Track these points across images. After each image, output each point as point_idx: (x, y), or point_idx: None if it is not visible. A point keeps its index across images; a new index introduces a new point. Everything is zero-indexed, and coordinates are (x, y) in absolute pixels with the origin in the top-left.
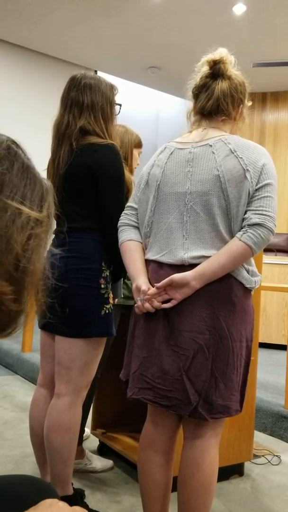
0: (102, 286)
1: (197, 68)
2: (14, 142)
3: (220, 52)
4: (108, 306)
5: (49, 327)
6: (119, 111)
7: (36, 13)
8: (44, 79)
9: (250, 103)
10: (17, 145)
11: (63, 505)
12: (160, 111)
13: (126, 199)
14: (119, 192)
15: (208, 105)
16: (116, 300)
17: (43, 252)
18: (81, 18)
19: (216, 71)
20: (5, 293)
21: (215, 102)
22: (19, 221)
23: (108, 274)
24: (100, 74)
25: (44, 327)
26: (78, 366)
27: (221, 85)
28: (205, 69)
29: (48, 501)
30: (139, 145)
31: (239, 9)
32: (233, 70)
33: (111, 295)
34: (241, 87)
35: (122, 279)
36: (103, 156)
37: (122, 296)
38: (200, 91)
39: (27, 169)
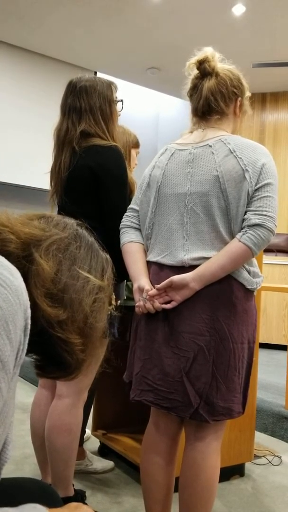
0: None
1: (186, 73)
2: (79, 224)
3: (205, 51)
4: (110, 307)
5: None
6: (122, 107)
7: (36, 15)
8: (44, 80)
9: (249, 94)
10: (81, 227)
11: (87, 508)
12: (160, 112)
13: (129, 201)
14: (122, 194)
15: (200, 106)
16: (119, 301)
17: (105, 313)
18: (80, 20)
19: (202, 70)
20: (76, 344)
21: (205, 102)
22: (87, 287)
23: None
24: (100, 75)
25: None
26: None
27: (208, 84)
28: (195, 71)
29: (73, 504)
30: (136, 145)
31: (238, 9)
32: (225, 65)
33: (113, 297)
34: (233, 81)
35: (125, 280)
36: (106, 158)
37: (125, 298)
38: (192, 93)
39: (91, 246)
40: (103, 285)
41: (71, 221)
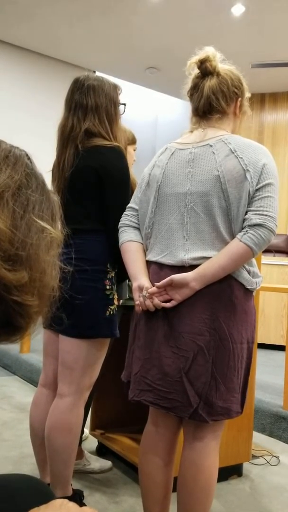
0: (107, 287)
1: (187, 72)
2: (27, 155)
3: (206, 51)
4: (112, 307)
5: (53, 326)
6: (124, 111)
7: (35, 14)
8: (42, 80)
9: (249, 95)
10: (29, 158)
11: (72, 505)
12: (159, 113)
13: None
14: (124, 195)
15: (201, 105)
16: (121, 301)
17: (57, 269)
18: (79, 19)
19: (203, 70)
20: (32, 307)
21: (206, 101)
22: (44, 240)
23: (113, 275)
24: (98, 74)
25: (48, 326)
26: (81, 366)
27: (210, 83)
28: (196, 71)
29: (58, 501)
30: (132, 141)
31: (237, 10)
32: (225, 66)
33: (115, 296)
34: (233, 81)
35: (127, 280)
36: (109, 159)
37: (127, 297)
38: (192, 92)
39: (43, 185)
40: (58, 236)
41: (21, 152)
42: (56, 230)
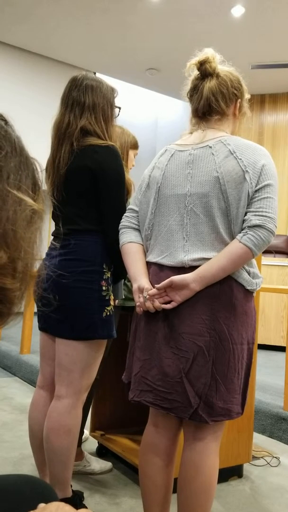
0: (104, 288)
1: (186, 73)
2: (1, 115)
3: (206, 52)
4: (109, 308)
5: (50, 329)
6: (118, 114)
7: (35, 15)
8: (42, 81)
9: (248, 96)
10: (4, 119)
11: (69, 509)
12: (159, 114)
13: (126, 201)
14: (119, 194)
15: (200, 106)
16: (117, 301)
17: (38, 246)
18: (79, 20)
19: (203, 71)
20: (13, 290)
21: (205, 102)
22: (22, 214)
23: (109, 276)
24: (98, 75)
25: (44, 329)
26: (79, 368)
27: (209, 84)
28: (195, 72)
29: (54, 504)
30: (135, 146)
31: (237, 11)
32: (225, 67)
33: (112, 297)
34: (233, 83)
35: (123, 280)
36: (104, 158)
37: (123, 297)
38: (192, 93)
39: (21, 151)
40: (39, 209)
41: None
42: (37, 203)
